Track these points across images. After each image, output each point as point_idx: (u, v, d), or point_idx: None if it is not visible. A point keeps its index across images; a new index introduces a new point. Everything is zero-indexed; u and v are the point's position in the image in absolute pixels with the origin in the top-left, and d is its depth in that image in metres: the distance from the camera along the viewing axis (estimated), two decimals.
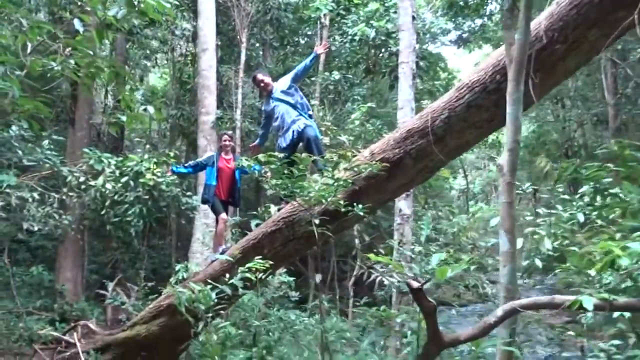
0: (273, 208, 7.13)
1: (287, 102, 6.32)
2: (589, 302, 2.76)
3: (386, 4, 11.01)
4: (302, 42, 15.58)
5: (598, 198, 5.63)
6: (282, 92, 6.38)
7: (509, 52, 3.78)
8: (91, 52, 4.77)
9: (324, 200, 4.72)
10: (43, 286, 11.82)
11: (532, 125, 23.97)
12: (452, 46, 25.57)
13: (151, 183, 8.76)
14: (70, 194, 8.93)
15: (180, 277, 8.33)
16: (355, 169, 4.65)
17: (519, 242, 7.34)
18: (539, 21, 4.05)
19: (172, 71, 13.92)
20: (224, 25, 13.90)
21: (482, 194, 33.76)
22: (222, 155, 7.11)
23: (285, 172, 4.72)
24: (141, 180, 8.74)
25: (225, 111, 12.72)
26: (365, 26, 10.65)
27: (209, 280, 5.73)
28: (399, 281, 7.00)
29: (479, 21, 22.12)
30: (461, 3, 17.39)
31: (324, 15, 12.73)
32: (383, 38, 11.05)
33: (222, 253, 6.72)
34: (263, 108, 6.75)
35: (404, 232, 9.43)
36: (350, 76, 12.42)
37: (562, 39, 3.91)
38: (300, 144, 6.26)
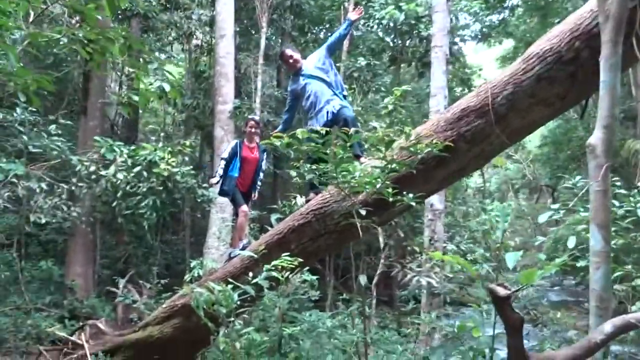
0: (299, 200, 6.51)
1: (321, 79, 5.66)
2: None
3: None
4: (323, 32, 14.89)
5: None
6: (316, 67, 5.72)
7: (603, 8, 3.10)
8: (100, 18, 4.16)
9: (372, 188, 4.03)
10: (53, 281, 11.32)
11: (559, 120, 23.15)
12: (472, 41, 24.69)
13: (165, 174, 8.18)
14: (80, 184, 8.39)
15: (196, 274, 7.76)
16: (412, 149, 3.94)
17: (571, 241, 6.64)
18: None
19: (188, 60, 13.36)
20: (242, 12, 13.29)
21: (498, 192, 32.88)
22: (246, 143, 6.49)
23: (324, 155, 4.04)
24: (155, 170, 8.16)
25: (244, 100, 12.11)
26: (394, 9, 9.98)
27: (230, 279, 5.16)
28: (437, 281, 6.33)
29: (496, 17, 21.35)
30: None
31: (347, 1, 12.08)
32: (413, 22, 10.37)
33: (243, 249, 6.11)
34: (290, 88, 6.08)
35: (435, 228, 8.76)
36: (378, 62, 11.72)
37: None
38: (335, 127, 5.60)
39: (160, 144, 8.57)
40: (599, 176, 3.00)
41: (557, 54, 3.73)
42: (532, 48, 3.94)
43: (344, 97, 5.78)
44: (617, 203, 6.45)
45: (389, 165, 3.95)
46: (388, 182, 3.98)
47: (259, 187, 6.70)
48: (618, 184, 6.73)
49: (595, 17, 3.61)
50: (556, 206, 6.38)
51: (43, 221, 7.94)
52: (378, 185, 3.94)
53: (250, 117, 7.07)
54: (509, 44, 24.88)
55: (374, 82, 12.69)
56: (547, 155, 24.38)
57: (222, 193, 6.41)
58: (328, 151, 3.93)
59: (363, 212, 4.12)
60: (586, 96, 4.13)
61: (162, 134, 11.97)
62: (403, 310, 12.34)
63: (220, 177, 6.25)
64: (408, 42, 10.95)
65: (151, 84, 6.41)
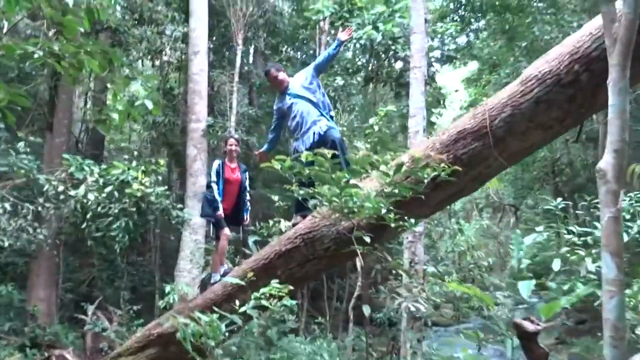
0: (284, 223, 6.30)
1: (308, 100, 5.52)
2: None
3: (393, 8, 10.38)
4: (297, 51, 14.80)
5: None
6: (303, 87, 5.58)
7: (610, 31, 3.06)
8: (82, 30, 3.92)
9: (376, 212, 3.87)
10: (13, 307, 10.68)
11: None
12: (437, 63, 25.06)
13: (139, 194, 7.85)
14: (47, 205, 7.96)
15: (171, 300, 7.44)
16: (419, 173, 3.82)
17: (556, 264, 6.62)
18: None
19: (160, 76, 13.04)
20: (216, 29, 13.10)
21: (462, 212, 33.31)
22: (227, 163, 6.25)
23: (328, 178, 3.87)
24: (127, 190, 7.81)
25: (217, 119, 11.86)
26: (372, 29, 9.98)
27: (213, 308, 4.90)
28: (425, 307, 6.20)
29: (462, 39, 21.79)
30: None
31: (324, 19, 12.05)
32: (390, 42, 10.39)
33: (224, 274, 5.87)
34: (276, 106, 5.91)
35: (415, 250, 8.65)
36: (355, 82, 11.69)
37: None
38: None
39: (134, 163, 8.23)
40: (610, 202, 2.94)
41: (556, 77, 3.69)
42: (530, 70, 3.90)
43: (331, 117, 5.65)
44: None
45: (395, 190, 3.81)
46: (392, 207, 3.84)
47: (249, 209, 6.46)
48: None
49: (595, 40, 3.60)
50: (540, 228, 6.36)
51: (6, 244, 7.48)
52: (383, 211, 3.78)
53: (229, 135, 6.86)
54: (474, 66, 25.39)
55: (348, 102, 12.66)
56: (514, 175, 24.83)
57: (204, 215, 6.15)
58: (332, 175, 3.75)
59: (367, 239, 3.96)
60: (585, 119, 4.11)
61: (135, 152, 11.54)
62: (380, 332, 12.21)
63: (220, 203, 6.00)
64: (384, 62, 10.96)
65: (131, 100, 6.11)
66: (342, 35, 5.66)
